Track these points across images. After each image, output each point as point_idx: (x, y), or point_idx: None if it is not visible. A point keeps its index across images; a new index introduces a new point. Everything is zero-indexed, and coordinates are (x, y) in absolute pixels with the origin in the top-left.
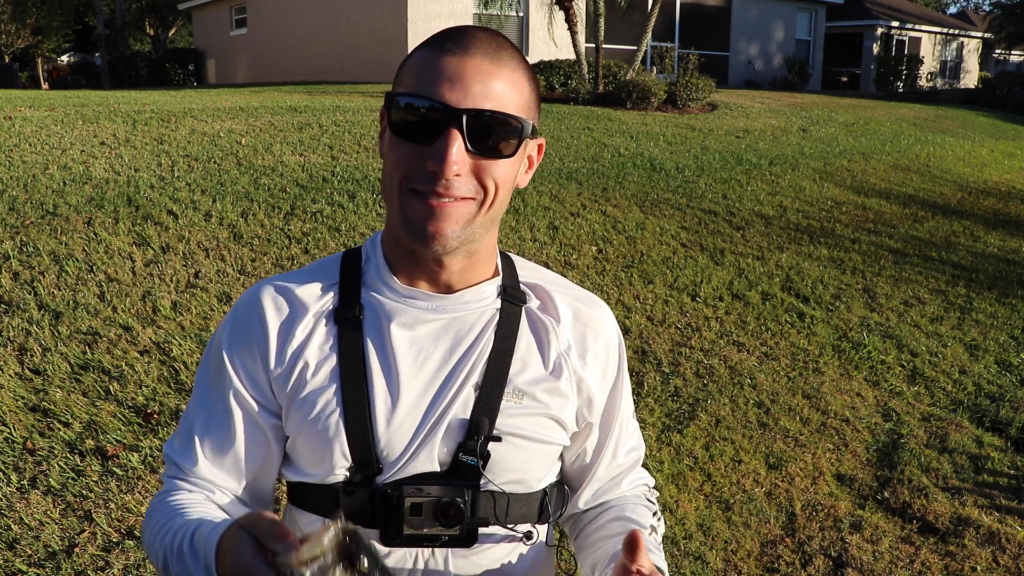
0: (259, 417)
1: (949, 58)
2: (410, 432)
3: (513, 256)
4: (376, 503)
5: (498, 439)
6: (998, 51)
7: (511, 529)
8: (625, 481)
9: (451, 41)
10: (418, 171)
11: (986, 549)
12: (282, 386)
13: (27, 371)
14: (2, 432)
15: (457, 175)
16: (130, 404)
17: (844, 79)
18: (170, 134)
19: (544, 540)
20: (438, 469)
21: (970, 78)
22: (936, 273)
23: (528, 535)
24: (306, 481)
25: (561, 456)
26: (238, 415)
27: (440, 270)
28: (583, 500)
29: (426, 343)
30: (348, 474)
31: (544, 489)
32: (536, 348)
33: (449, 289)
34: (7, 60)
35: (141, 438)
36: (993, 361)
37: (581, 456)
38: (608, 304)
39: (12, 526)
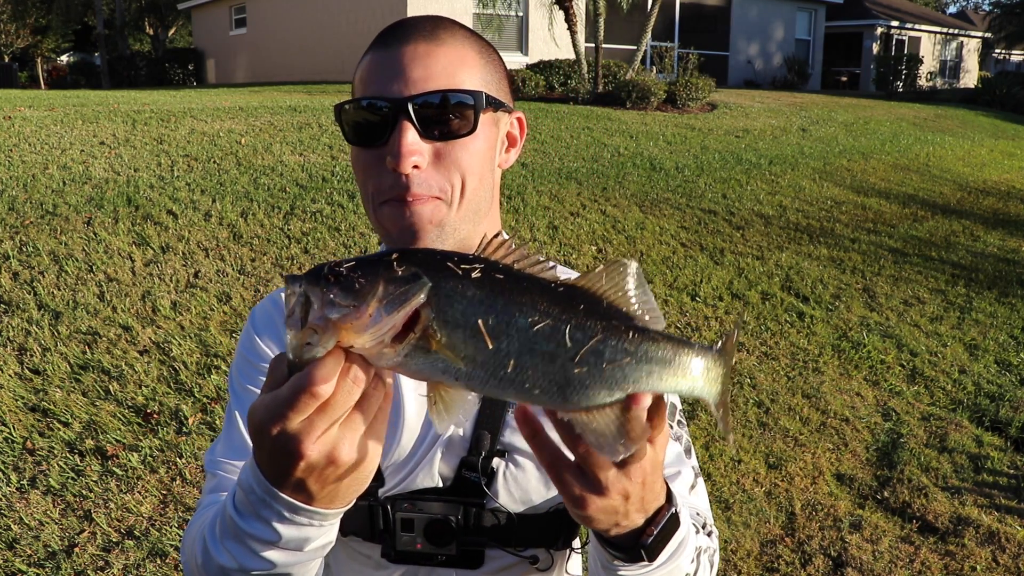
0: None
1: (949, 58)
2: (409, 445)
3: None
4: (375, 517)
5: (502, 454)
6: (998, 51)
7: (516, 552)
8: None
9: (389, 35)
10: (383, 177)
11: (986, 549)
12: None
13: (27, 371)
14: (2, 432)
15: (416, 167)
16: (130, 404)
17: (844, 79)
18: (170, 134)
19: (564, 568)
20: (440, 484)
21: (970, 78)
22: (936, 273)
23: (534, 559)
24: None
25: None
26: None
27: None
28: None
29: None
30: None
31: (556, 509)
32: None
33: None
34: (7, 60)
35: (141, 438)
36: (993, 361)
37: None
38: None
39: (12, 526)
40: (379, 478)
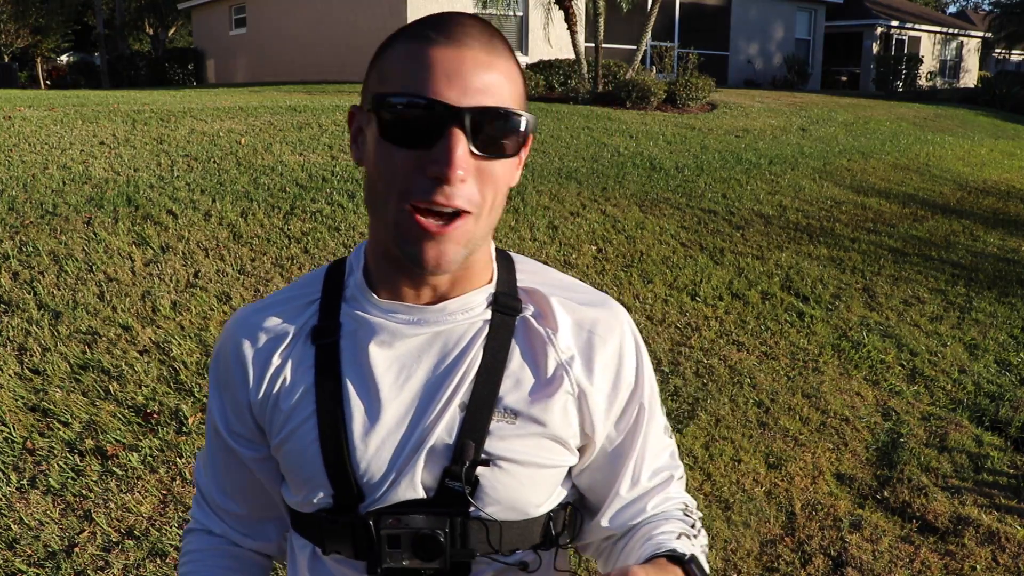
0: (243, 455)
1: (949, 57)
2: (388, 456)
3: (515, 257)
4: (357, 535)
5: (486, 463)
6: (998, 51)
7: (503, 561)
8: (651, 503)
9: (438, 31)
10: (417, 180)
11: (986, 548)
12: (263, 414)
13: (27, 371)
14: (2, 432)
15: (462, 180)
16: (130, 404)
17: (844, 78)
18: (169, 134)
19: (553, 564)
20: (423, 496)
21: (970, 77)
22: (936, 272)
23: (523, 565)
24: (295, 508)
25: (571, 476)
26: (227, 456)
27: (431, 282)
28: (603, 524)
29: (408, 360)
30: (331, 501)
31: (548, 514)
32: (531, 362)
33: (438, 301)
34: (7, 60)
35: (141, 438)
36: (993, 360)
37: (594, 476)
38: None
39: (12, 526)
40: (358, 494)
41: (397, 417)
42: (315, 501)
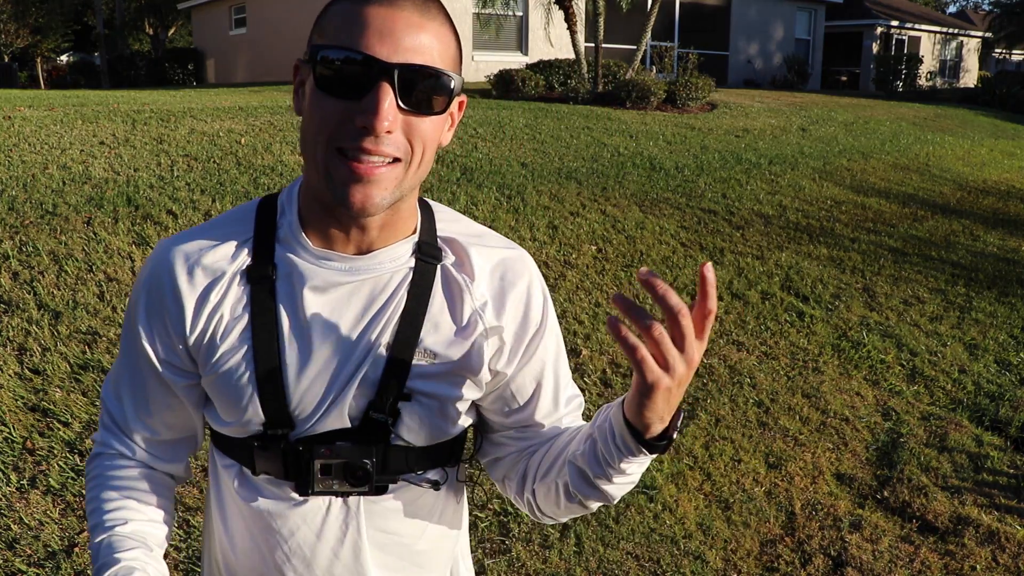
0: (172, 382)
1: (948, 57)
2: (320, 391)
3: (434, 206)
4: (288, 460)
5: (408, 398)
6: (998, 50)
7: (420, 481)
8: (566, 420)
9: None
10: (346, 128)
11: (985, 548)
12: (198, 348)
13: (27, 371)
14: (2, 432)
15: (388, 131)
16: None
17: (843, 78)
18: (169, 134)
19: (456, 477)
20: (350, 426)
21: (970, 77)
22: (936, 272)
23: (435, 484)
24: (223, 432)
25: (480, 406)
26: (152, 382)
27: (358, 230)
28: (521, 440)
29: (339, 304)
30: (262, 429)
31: (455, 437)
32: (448, 307)
33: (367, 248)
34: (7, 60)
35: None
36: (992, 360)
37: (508, 405)
38: (607, 304)
39: (12, 526)
40: (289, 423)
41: (327, 355)
42: (246, 428)
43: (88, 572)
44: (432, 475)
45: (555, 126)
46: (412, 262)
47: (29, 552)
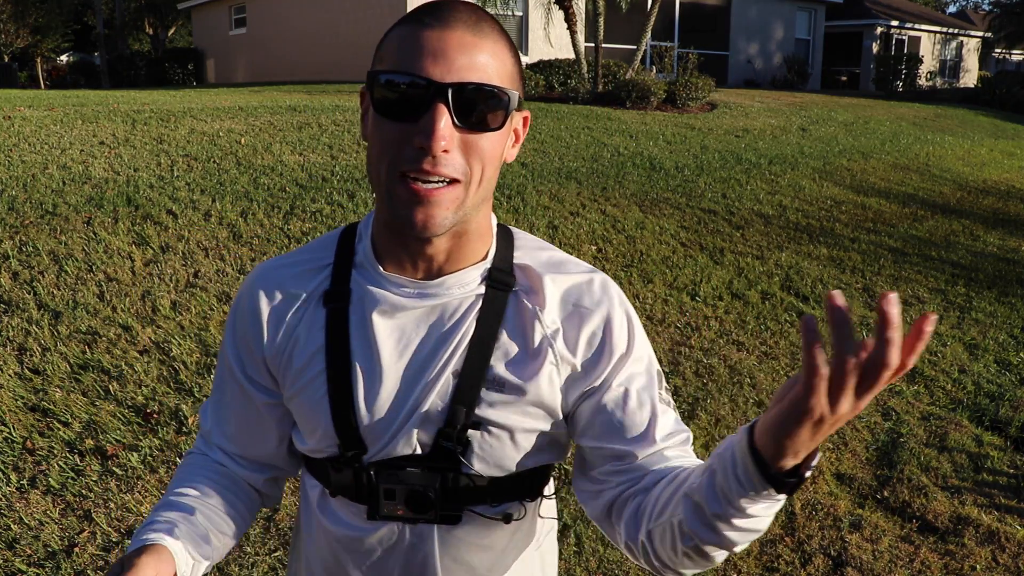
0: (255, 397)
1: (948, 57)
2: (389, 417)
3: (516, 232)
4: (360, 482)
5: (476, 427)
6: (998, 50)
7: (491, 514)
8: (671, 453)
9: (430, 15)
10: (405, 151)
11: (985, 548)
12: (277, 367)
13: (27, 371)
14: (2, 432)
15: (445, 151)
16: (129, 404)
17: (843, 78)
18: (169, 134)
19: (537, 512)
20: (420, 452)
21: (969, 77)
22: (935, 272)
23: (506, 517)
24: (304, 452)
25: (568, 442)
26: (235, 397)
27: (428, 252)
28: (618, 477)
29: (408, 330)
30: (337, 450)
31: (534, 469)
32: (519, 335)
33: (436, 273)
34: (7, 60)
35: (140, 438)
36: (992, 360)
37: (596, 435)
38: None
39: (12, 526)
40: (361, 446)
41: (396, 381)
42: (323, 449)
43: (88, 572)
44: (507, 507)
45: (555, 126)
46: (481, 289)
47: (29, 552)
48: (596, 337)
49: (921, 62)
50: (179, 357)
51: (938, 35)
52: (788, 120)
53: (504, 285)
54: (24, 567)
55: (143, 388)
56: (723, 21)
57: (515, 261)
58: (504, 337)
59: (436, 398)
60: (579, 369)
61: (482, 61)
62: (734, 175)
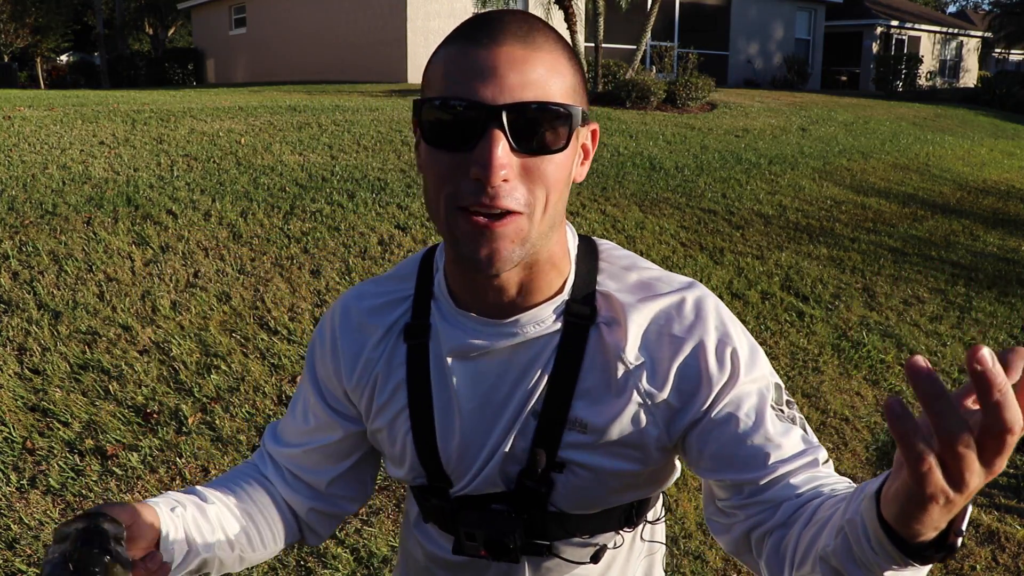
0: (342, 424)
1: (948, 57)
2: (471, 456)
3: (602, 249)
4: (445, 515)
5: (560, 468)
6: (998, 50)
7: (584, 545)
8: (796, 480)
9: (477, 30)
10: (463, 183)
11: (985, 548)
12: (359, 398)
13: (27, 371)
14: (2, 432)
15: (505, 180)
16: (129, 404)
17: (843, 78)
18: (169, 134)
19: (639, 536)
20: (505, 490)
21: (969, 77)
22: (935, 272)
23: (600, 551)
24: (397, 479)
25: (671, 474)
26: (311, 418)
27: (497, 286)
28: (738, 513)
29: (485, 369)
30: (426, 482)
31: (629, 504)
32: (601, 372)
33: (510, 305)
34: (6, 60)
35: (140, 438)
36: None
37: (711, 468)
38: None
39: (12, 526)
40: (447, 480)
41: (475, 421)
42: (413, 479)
43: None
44: (601, 539)
45: None
46: (558, 325)
47: (29, 552)
48: (690, 368)
49: (921, 62)
50: (179, 357)
51: (938, 35)
52: (788, 120)
53: (583, 320)
54: (24, 567)
55: (143, 388)
56: (723, 21)
57: (598, 288)
58: (585, 375)
59: (517, 440)
60: (674, 404)
61: (537, 76)
62: (734, 175)
